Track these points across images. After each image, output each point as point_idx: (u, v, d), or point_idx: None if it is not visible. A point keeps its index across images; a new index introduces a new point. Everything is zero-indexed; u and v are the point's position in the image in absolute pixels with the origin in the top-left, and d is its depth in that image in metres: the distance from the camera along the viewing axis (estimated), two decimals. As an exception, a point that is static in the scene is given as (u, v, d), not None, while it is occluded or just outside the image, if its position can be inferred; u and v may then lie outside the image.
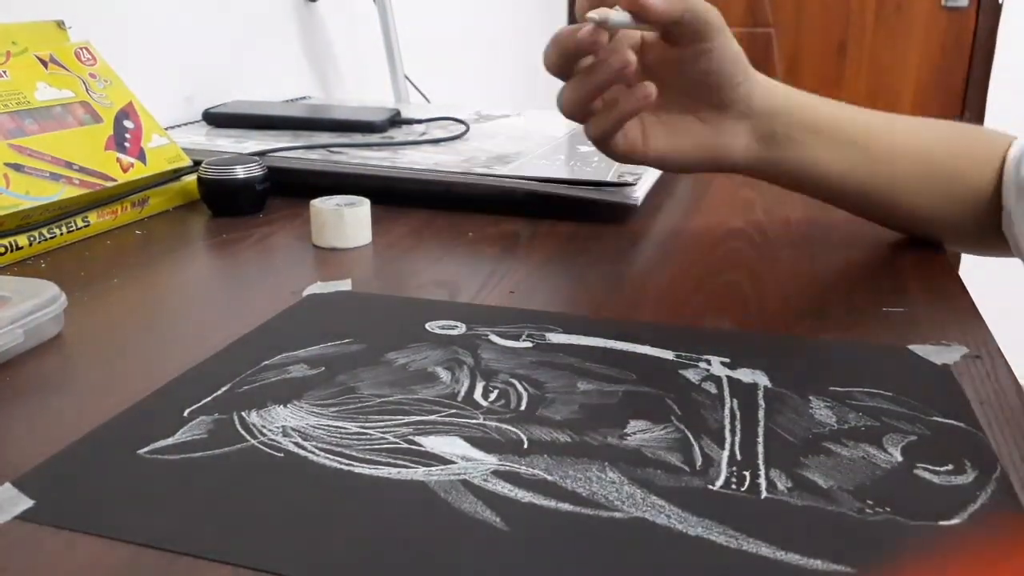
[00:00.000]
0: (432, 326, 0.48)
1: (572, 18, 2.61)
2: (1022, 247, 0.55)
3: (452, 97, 1.37)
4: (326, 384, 0.42)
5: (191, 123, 0.94)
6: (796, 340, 0.47)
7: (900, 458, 0.35)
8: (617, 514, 0.32)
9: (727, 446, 0.36)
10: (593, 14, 0.47)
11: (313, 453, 0.36)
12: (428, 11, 1.58)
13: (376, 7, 1.27)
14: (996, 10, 2.37)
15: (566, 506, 0.32)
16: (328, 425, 0.38)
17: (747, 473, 0.34)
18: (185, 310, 0.55)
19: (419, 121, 0.93)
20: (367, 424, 0.38)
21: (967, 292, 0.53)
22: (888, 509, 0.32)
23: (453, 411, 0.39)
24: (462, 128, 0.90)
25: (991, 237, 0.58)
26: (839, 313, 0.51)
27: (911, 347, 0.45)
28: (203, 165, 0.72)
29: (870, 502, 0.32)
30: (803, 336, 0.47)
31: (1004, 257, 0.60)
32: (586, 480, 0.34)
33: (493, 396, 0.40)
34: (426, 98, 1.35)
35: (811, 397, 0.40)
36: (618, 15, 0.48)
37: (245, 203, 0.72)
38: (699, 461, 0.35)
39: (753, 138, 0.55)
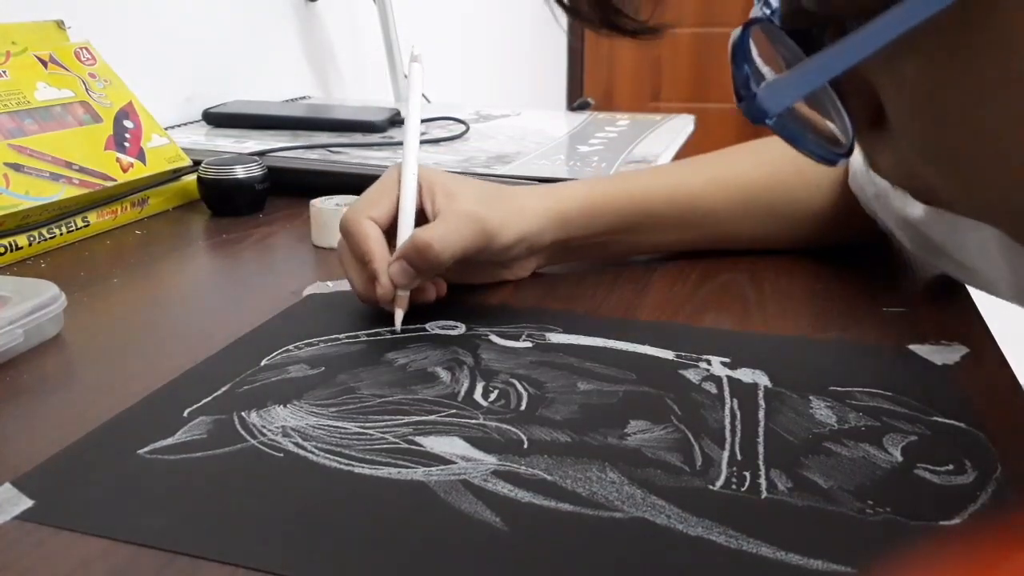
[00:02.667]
0: (432, 326, 0.48)
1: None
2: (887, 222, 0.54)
3: (452, 97, 1.37)
4: (326, 384, 0.42)
5: (191, 123, 0.94)
6: (796, 340, 0.47)
7: (900, 458, 0.35)
8: (617, 514, 0.32)
9: (727, 446, 0.36)
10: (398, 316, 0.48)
11: (313, 453, 0.36)
12: (428, 11, 1.58)
13: (376, 7, 1.27)
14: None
15: (566, 506, 0.32)
16: (328, 425, 0.38)
17: (747, 473, 0.34)
18: (185, 310, 0.55)
19: (419, 121, 0.93)
20: (367, 424, 0.38)
21: (967, 292, 0.53)
22: (888, 509, 0.32)
23: (453, 411, 0.39)
24: (462, 128, 0.90)
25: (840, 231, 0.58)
26: (839, 313, 0.51)
27: (911, 347, 0.45)
28: (203, 165, 0.72)
29: (870, 502, 0.32)
30: (803, 336, 0.47)
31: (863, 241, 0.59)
32: (586, 480, 0.34)
33: (493, 396, 0.40)
34: (426, 98, 1.35)
35: (811, 397, 0.40)
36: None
37: (245, 203, 0.72)
38: (699, 461, 0.35)
39: (544, 259, 0.57)
